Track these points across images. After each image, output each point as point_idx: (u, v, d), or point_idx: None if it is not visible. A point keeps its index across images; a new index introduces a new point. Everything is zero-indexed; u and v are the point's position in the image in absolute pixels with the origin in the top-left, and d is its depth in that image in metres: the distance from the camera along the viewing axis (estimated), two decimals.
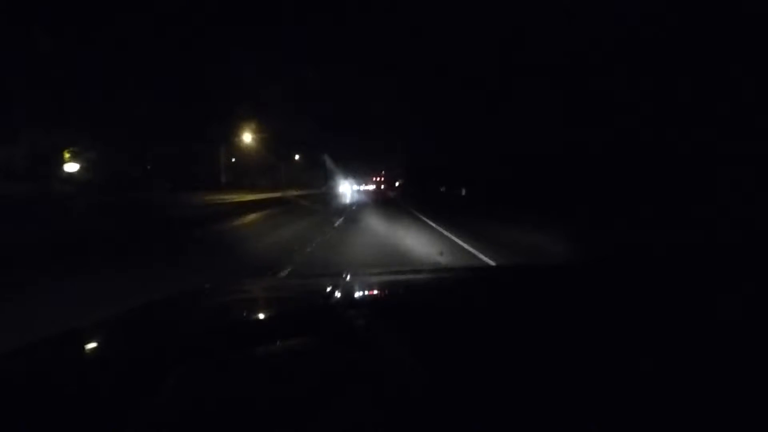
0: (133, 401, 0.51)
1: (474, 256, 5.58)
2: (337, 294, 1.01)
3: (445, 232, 8.08)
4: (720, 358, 0.57)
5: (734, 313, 0.75)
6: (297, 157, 39.78)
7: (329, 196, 27.72)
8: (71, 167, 16.57)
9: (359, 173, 57.02)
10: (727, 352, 0.59)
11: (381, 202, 23.47)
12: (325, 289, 1.10)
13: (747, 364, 0.55)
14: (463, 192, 26.67)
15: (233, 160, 30.71)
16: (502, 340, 0.66)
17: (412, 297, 1.08)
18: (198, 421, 0.47)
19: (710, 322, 0.73)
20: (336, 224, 9.79)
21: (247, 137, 28.07)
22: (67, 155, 15.91)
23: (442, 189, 30.35)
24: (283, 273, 4.44)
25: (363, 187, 55.46)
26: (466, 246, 6.23)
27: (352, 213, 13.76)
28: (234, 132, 27.07)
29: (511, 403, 0.47)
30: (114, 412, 0.49)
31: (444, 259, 5.12)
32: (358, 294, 1.10)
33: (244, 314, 0.96)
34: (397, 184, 54.79)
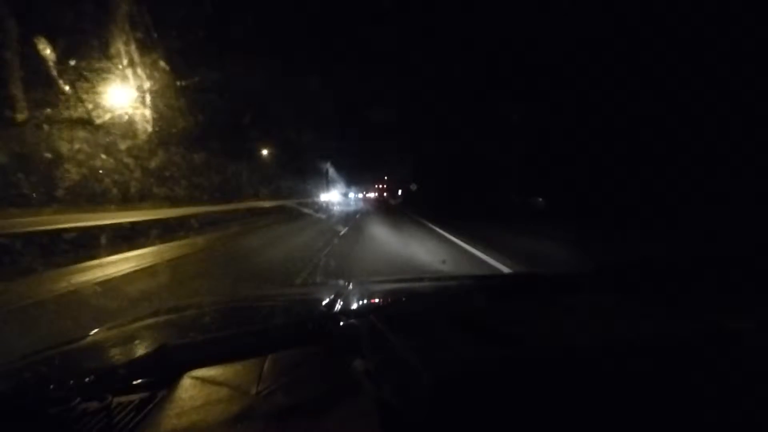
0: (132, 408, 0.51)
1: None
2: (340, 302, 1.01)
3: None
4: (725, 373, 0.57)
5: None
6: (265, 152, 25.44)
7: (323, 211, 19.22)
8: None
9: (361, 181, 54.73)
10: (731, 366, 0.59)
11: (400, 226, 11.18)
12: (329, 298, 1.10)
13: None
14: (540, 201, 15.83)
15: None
16: (501, 345, 0.66)
17: (415, 305, 1.08)
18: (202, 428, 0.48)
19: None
20: None
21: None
22: None
23: (516, 198, 16.87)
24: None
25: (365, 195, 54.26)
26: None
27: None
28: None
29: (513, 413, 0.48)
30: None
31: (447, 267, 5.10)
32: (361, 302, 1.10)
33: (250, 323, 0.97)
34: (399, 192, 52.40)
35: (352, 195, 48.14)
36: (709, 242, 5.82)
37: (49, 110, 8.26)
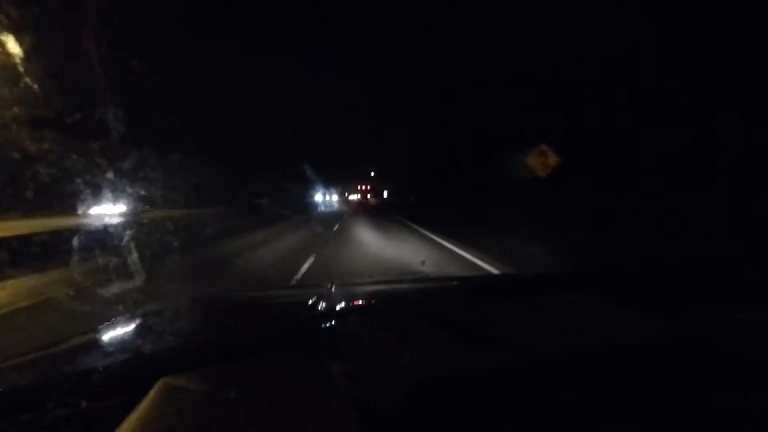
0: (115, 413, 0.51)
1: None
2: (322, 304, 1.02)
3: None
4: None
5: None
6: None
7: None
8: None
9: (342, 182, 51.13)
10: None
11: None
12: (310, 300, 1.11)
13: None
14: None
15: None
16: (479, 347, 0.68)
17: (396, 307, 1.10)
18: None
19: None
20: None
21: None
22: None
23: None
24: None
25: (347, 197, 51.53)
26: None
27: None
28: None
29: (492, 415, 0.48)
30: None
31: (427, 268, 5.16)
32: (342, 304, 1.11)
33: (229, 326, 0.96)
34: (385, 194, 49.20)
35: (319, 197, 36.18)
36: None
37: None
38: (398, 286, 1.66)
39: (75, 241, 5.16)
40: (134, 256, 4.25)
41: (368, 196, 52.40)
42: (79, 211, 6.55)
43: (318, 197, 36.05)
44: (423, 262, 5.51)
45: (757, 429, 0.46)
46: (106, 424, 0.50)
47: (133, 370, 0.64)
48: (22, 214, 7.68)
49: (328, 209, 27.10)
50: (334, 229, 11.81)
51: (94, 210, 6.82)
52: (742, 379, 0.56)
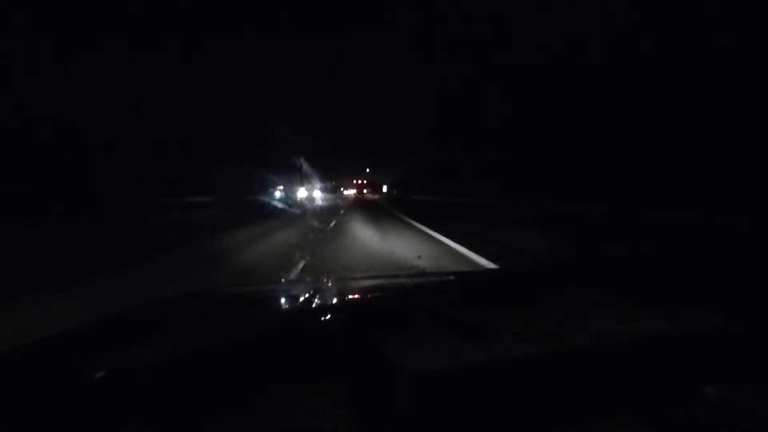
0: (116, 402, 0.50)
1: None
2: (318, 298, 1.02)
3: None
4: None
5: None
6: None
7: None
8: None
9: (338, 175, 50.17)
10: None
11: None
12: (306, 294, 1.10)
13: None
14: None
15: None
16: (477, 341, 0.68)
17: (392, 300, 1.10)
18: (181, 425, 0.47)
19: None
20: None
21: None
22: None
23: None
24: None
25: (343, 192, 50.56)
26: None
27: None
28: None
29: (489, 408, 0.49)
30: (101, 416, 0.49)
31: (422, 263, 5.17)
32: (338, 298, 1.10)
33: (223, 322, 0.95)
34: (384, 188, 47.71)
35: (282, 193, 26.84)
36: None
37: None
38: (394, 280, 1.66)
39: None
40: None
41: (364, 191, 51.14)
42: None
43: (279, 194, 25.62)
44: (419, 257, 5.53)
45: (749, 424, 0.46)
46: (99, 421, 0.50)
47: (126, 365, 0.64)
48: None
49: (290, 212, 16.47)
50: None
51: None
52: (734, 374, 0.56)
